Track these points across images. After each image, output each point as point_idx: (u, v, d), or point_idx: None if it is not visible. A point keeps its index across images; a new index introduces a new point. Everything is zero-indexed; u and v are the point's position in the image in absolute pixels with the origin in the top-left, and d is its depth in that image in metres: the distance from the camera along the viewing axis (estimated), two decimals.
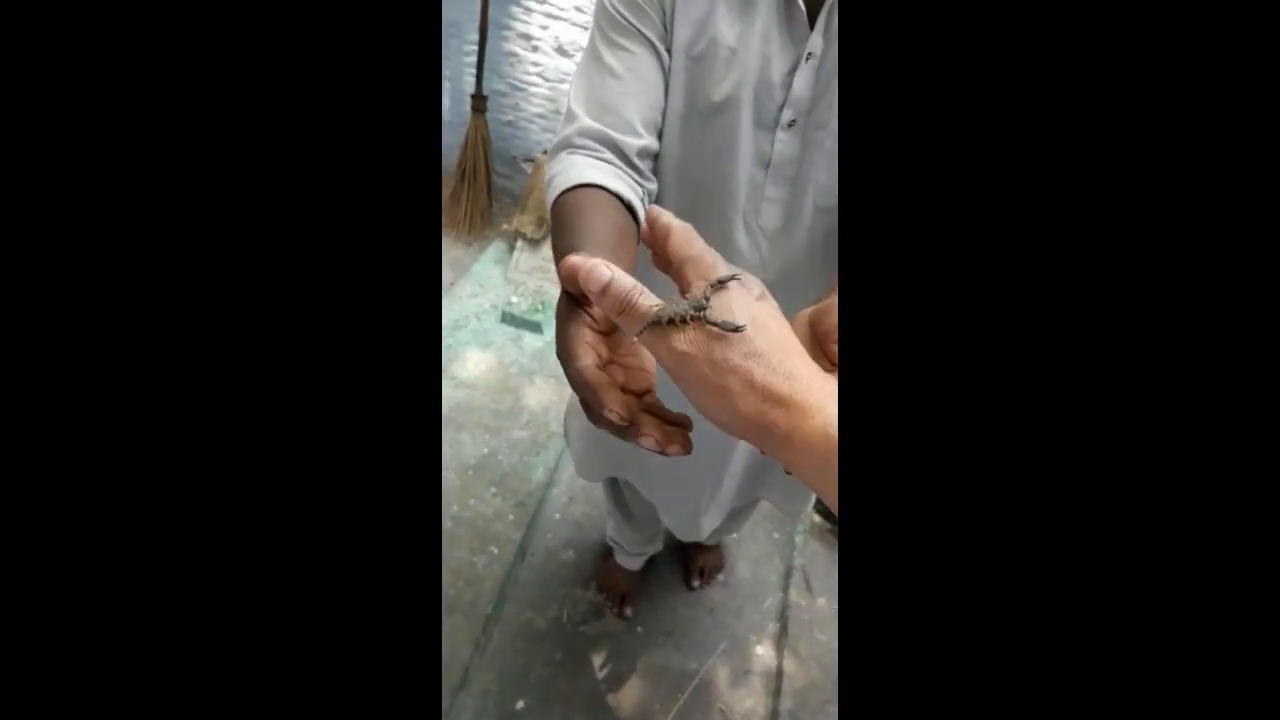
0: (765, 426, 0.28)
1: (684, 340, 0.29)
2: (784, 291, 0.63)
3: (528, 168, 2.33)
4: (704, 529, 1.01)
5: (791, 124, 0.60)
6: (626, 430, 0.31)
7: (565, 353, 0.34)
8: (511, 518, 1.48)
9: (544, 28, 2.10)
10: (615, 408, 0.31)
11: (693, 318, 0.29)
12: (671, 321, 0.29)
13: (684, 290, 0.32)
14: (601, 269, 0.31)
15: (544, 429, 1.68)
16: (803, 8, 0.56)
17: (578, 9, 2.03)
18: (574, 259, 0.32)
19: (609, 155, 0.57)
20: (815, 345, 0.37)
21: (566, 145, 0.57)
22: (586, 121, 0.57)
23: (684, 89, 0.62)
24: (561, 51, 2.13)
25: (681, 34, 0.59)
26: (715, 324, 0.28)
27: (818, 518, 1.54)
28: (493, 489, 1.52)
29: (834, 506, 0.26)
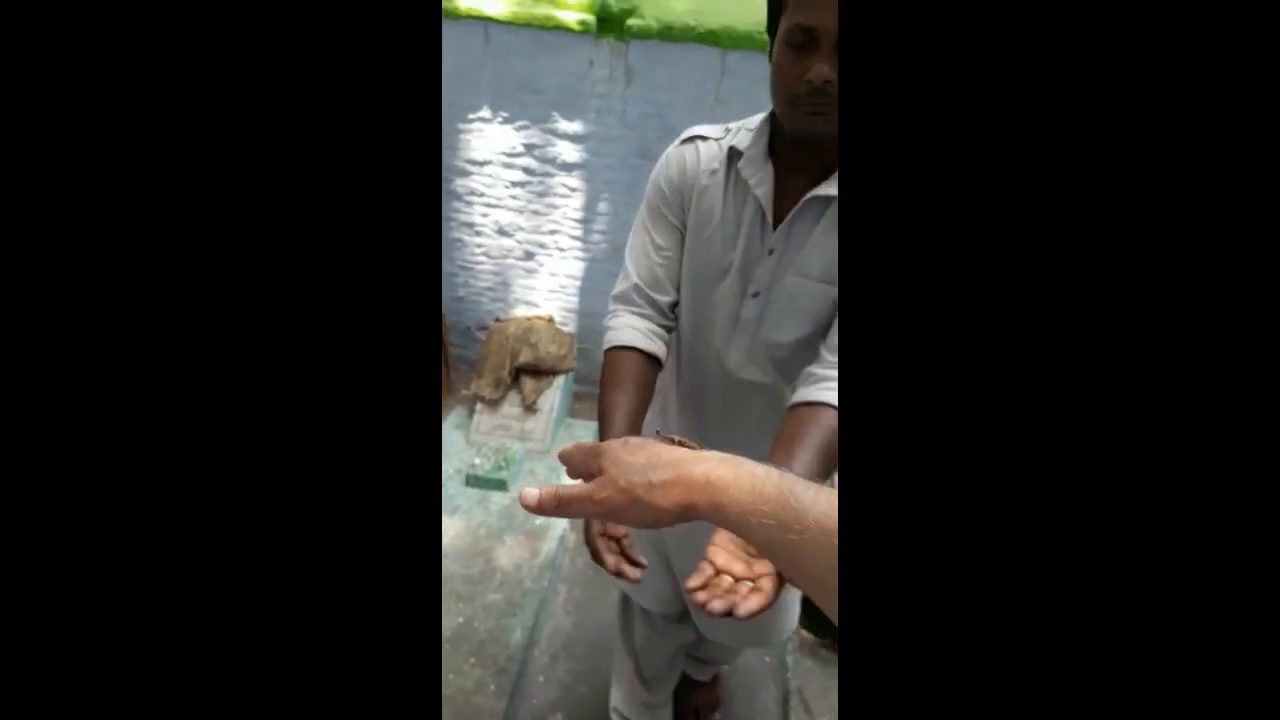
0: (677, 502, 0.38)
1: (601, 493, 0.41)
2: (739, 408, 0.87)
3: (481, 335, 2.48)
4: None
5: (755, 295, 0.77)
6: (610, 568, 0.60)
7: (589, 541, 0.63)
8: (493, 687, 1.41)
9: (484, 215, 2.35)
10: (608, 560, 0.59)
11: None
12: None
13: (609, 453, 0.43)
14: (528, 495, 0.43)
15: (518, 588, 1.65)
16: (770, 219, 0.74)
17: (512, 198, 2.30)
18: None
19: (649, 311, 0.83)
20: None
21: (624, 300, 0.84)
22: (637, 282, 0.83)
23: (692, 267, 0.81)
24: (502, 233, 2.37)
25: (692, 222, 0.80)
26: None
27: (805, 633, 1.51)
28: (471, 659, 1.46)
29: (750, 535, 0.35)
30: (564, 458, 0.46)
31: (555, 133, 2.15)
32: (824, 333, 0.76)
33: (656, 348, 0.80)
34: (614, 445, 0.42)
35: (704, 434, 0.87)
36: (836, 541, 0.29)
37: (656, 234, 0.82)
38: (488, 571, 1.68)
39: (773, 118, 0.74)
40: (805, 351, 0.77)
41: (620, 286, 0.84)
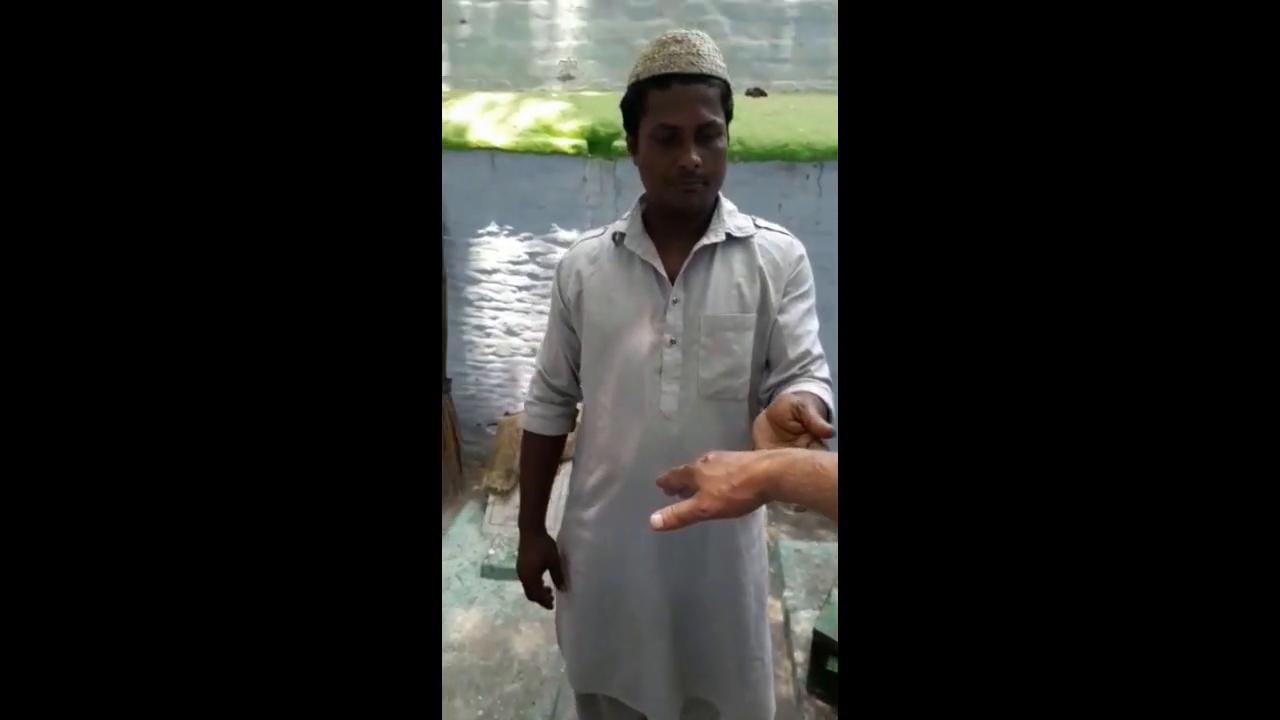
0: (754, 494, 0.51)
1: (703, 503, 0.53)
2: (686, 453, 0.90)
3: (491, 430, 2.59)
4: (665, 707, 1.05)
5: (673, 342, 0.90)
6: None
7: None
8: None
9: (493, 318, 2.54)
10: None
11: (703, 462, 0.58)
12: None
13: (700, 473, 0.56)
14: (655, 520, 0.54)
15: (536, 676, 1.67)
16: (665, 274, 0.90)
17: (519, 300, 2.49)
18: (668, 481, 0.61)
19: (547, 392, 1.05)
20: (778, 429, 0.61)
21: (534, 382, 1.07)
22: (540, 369, 1.06)
23: (600, 330, 0.94)
24: (510, 333, 2.54)
25: (591, 307, 0.95)
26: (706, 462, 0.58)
27: (820, 703, 1.52)
28: None
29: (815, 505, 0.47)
30: (662, 484, 0.60)
31: (555, 241, 2.37)
32: (750, 359, 0.88)
33: (558, 429, 1.07)
34: (699, 466, 0.55)
35: (631, 476, 0.95)
36: None
37: (554, 330, 1.02)
38: (505, 661, 1.71)
39: (643, 205, 0.94)
40: (733, 380, 0.89)
41: (533, 371, 1.08)
